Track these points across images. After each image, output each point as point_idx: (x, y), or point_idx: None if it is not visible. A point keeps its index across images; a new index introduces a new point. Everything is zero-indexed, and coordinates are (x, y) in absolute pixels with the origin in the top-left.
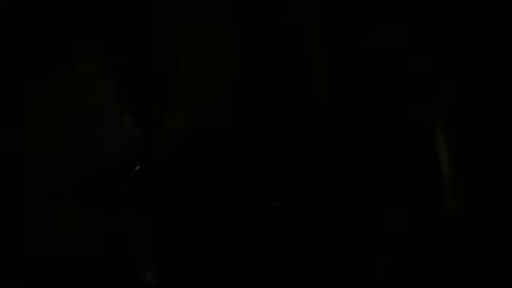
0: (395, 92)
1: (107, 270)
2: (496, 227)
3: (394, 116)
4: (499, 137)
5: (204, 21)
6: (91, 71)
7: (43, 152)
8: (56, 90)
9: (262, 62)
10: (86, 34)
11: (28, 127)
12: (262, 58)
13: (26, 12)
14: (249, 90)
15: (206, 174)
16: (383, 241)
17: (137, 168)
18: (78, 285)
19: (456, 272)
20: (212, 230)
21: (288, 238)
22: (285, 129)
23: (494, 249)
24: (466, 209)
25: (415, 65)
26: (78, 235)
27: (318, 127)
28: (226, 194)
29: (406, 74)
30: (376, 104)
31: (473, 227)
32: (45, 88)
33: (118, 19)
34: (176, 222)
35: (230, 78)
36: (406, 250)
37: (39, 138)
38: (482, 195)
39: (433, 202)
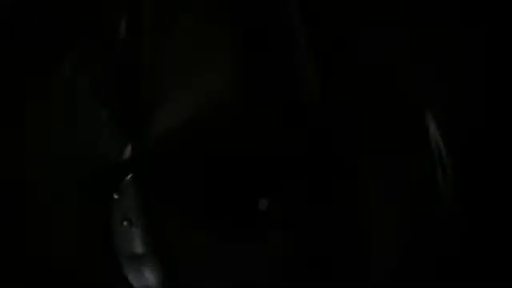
0: (395, 92)
1: (107, 271)
2: (497, 228)
3: (394, 116)
4: (499, 137)
5: (204, 21)
6: (91, 71)
7: (43, 152)
8: (56, 90)
9: (261, 62)
10: (85, 33)
11: (28, 127)
12: (262, 58)
13: (26, 12)
14: (248, 90)
15: (205, 174)
16: (383, 241)
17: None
18: (77, 285)
19: (456, 272)
20: (211, 230)
21: (288, 238)
22: (285, 129)
23: (494, 249)
24: (466, 209)
25: (415, 66)
26: (78, 235)
27: (317, 127)
28: (225, 194)
29: (406, 74)
30: (376, 104)
31: (473, 228)
32: (45, 88)
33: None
34: (175, 222)
35: (229, 78)
36: (405, 250)
37: (39, 138)
38: (482, 196)
39: (433, 201)
